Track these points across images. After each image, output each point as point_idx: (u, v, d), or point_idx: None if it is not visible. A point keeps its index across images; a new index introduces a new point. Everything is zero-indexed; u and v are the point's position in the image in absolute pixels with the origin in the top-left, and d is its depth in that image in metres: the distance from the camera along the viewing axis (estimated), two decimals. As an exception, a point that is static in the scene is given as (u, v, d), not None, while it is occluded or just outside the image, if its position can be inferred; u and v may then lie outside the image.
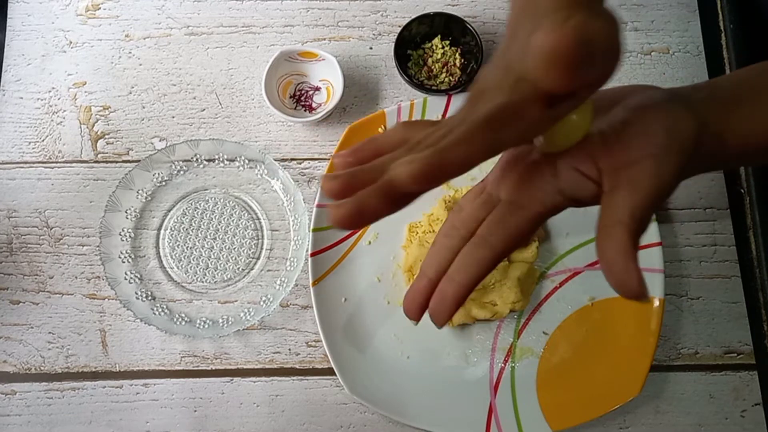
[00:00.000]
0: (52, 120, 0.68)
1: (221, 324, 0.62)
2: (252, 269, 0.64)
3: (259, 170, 0.66)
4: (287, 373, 0.62)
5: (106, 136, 0.68)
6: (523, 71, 0.28)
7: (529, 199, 0.33)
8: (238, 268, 0.64)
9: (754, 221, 0.64)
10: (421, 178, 0.27)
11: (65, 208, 0.66)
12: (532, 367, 0.60)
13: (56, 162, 0.67)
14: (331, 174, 0.29)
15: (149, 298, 0.63)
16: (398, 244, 0.63)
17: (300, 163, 0.67)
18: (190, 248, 0.65)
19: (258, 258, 0.64)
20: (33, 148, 0.67)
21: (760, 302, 0.62)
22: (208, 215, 0.65)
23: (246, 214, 0.65)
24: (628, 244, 0.30)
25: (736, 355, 0.62)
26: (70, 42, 0.70)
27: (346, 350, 0.60)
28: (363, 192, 0.27)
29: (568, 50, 0.26)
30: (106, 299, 0.63)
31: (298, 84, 0.68)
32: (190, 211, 0.65)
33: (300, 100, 0.68)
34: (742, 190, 0.65)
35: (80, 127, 0.68)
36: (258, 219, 0.65)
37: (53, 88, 0.69)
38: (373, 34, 0.70)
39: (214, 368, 0.62)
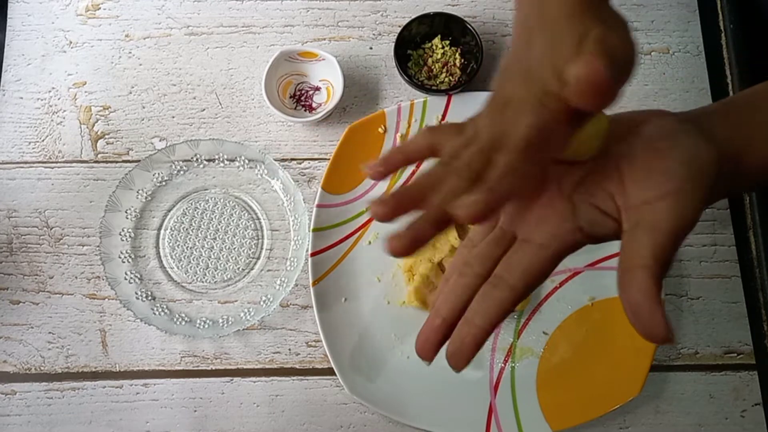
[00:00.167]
0: (52, 120, 0.68)
1: (221, 324, 0.62)
2: (252, 269, 0.64)
3: (259, 170, 0.66)
4: (287, 373, 0.62)
5: (106, 136, 0.68)
6: (548, 84, 0.30)
7: (548, 237, 0.32)
8: (238, 268, 0.64)
9: (754, 221, 0.64)
10: (482, 217, 0.29)
11: (65, 208, 0.66)
12: (532, 367, 0.60)
13: (56, 162, 0.67)
14: (378, 200, 0.31)
15: (149, 298, 0.63)
16: (398, 244, 0.63)
17: (300, 163, 0.67)
18: (190, 248, 0.65)
19: (258, 258, 0.64)
20: (33, 148, 0.67)
21: (760, 302, 0.62)
22: (208, 215, 0.65)
23: (246, 214, 0.65)
24: (653, 287, 0.29)
25: (736, 355, 0.62)
26: (70, 42, 0.70)
27: (346, 350, 0.60)
28: (418, 223, 0.30)
29: (603, 79, 0.28)
30: (106, 299, 0.63)
31: (298, 84, 0.68)
32: (190, 211, 0.65)
33: (300, 100, 0.68)
34: (742, 190, 0.65)
35: (80, 127, 0.68)
36: (258, 219, 0.65)
37: (53, 88, 0.69)
38: (373, 34, 0.70)
39: (214, 368, 0.62)
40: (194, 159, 0.66)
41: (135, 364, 0.62)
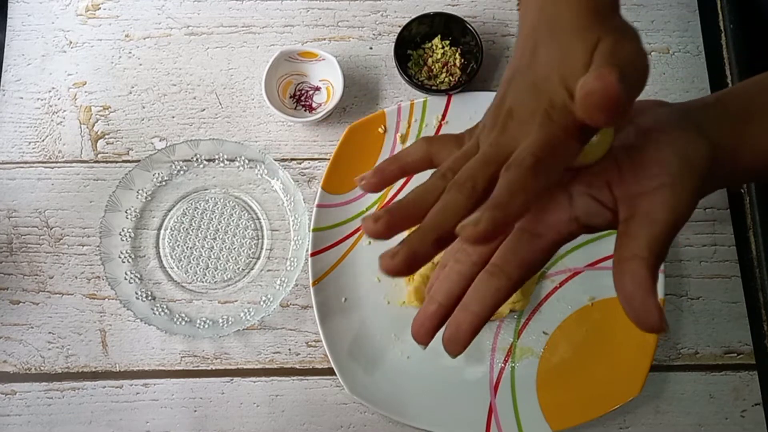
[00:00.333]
0: (52, 120, 0.68)
1: (221, 324, 0.62)
2: (252, 269, 0.64)
3: (259, 170, 0.66)
4: (287, 373, 0.62)
5: (106, 136, 0.68)
6: (556, 97, 0.29)
7: (544, 227, 0.33)
8: (238, 268, 0.64)
9: (754, 221, 0.64)
10: (491, 237, 0.27)
11: (65, 208, 0.66)
12: (532, 367, 0.60)
13: (56, 162, 0.67)
14: (371, 216, 0.29)
15: (149, 298, 0.63)
16: (398, 244, 0.63)
17: (300, 163, 0.67)
18: (190, 248, 0.65)
19: (258, 258, 0.64)
20: (33, 148, 0.67)
21: (760, 302, 0.62)
22: (208, 215, 0.65)
23: (246, 214, 0.65)
24: (647, 278, 0.29)
25: (736, 355, 0.62)
26: (70, 42, 0.70)
27: (346, 350, 0.60)
28: (414, 241, 0.28)
29: (615, 94, 0.27)
30: (106, 299, 0.63)
31: (298, 84, 0.68)
32: (190, 211, 0.65)
33: (300, 100, 0.68)
34: (742, 191, 0.65)
35: (80, 127, 0.68)
36: (258, 219, 0.65)
37: (53, 88, 0.69)
38: (373, 34, 0.70)
39: (214, 368, 0.62)
40: (194, 159, 0.66)
41: (135, 364, 0.62)
